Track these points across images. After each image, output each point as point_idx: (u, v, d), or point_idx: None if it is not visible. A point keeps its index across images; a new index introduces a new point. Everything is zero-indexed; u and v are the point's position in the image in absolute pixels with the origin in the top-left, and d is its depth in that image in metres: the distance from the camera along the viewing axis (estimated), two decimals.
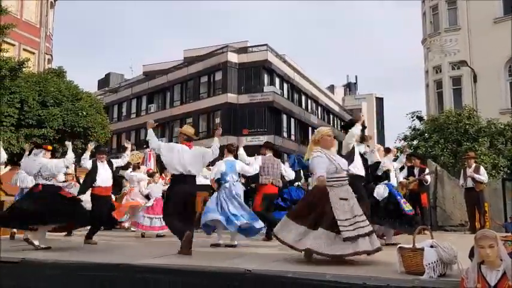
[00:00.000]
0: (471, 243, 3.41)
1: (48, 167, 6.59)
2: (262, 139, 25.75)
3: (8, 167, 10.22)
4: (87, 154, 7.99)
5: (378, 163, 6.89)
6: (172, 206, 5.87)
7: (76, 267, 5.01)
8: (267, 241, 7.29)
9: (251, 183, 9.44)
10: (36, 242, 6.30)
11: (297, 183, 9.53)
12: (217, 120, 31.96)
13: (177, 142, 6.24)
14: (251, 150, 7.57)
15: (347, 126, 6.38)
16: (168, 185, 6.37)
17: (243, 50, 33.13)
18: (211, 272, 4.33)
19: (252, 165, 7.25)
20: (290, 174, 8.47)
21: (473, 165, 9.79)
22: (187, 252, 5.45)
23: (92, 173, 7.65)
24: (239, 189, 6.96)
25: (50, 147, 7.18)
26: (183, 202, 5.85)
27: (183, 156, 5.89)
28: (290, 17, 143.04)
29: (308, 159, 5.21)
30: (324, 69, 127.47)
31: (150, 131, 6.07)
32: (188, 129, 6.33)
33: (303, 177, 10.85)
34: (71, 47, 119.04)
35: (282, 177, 8.17)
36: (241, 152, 7.29)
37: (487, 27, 22.52)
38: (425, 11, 26.12)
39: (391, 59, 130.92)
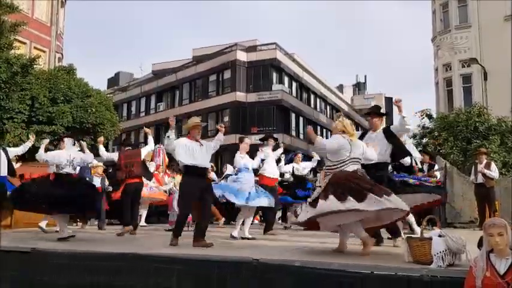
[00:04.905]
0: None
1: (81, 158, 6.91)
2: None
3: (19, 163, 10.26)
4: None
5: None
6: (188, 198, 5.85)
7: (85, 257, 5.05)
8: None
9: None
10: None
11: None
12: (226, 119, 31.99)
13: (188, 134, 6.24)
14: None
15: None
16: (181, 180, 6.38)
17: (252, 49, 33.11)
18: (220, 261, 4.34)
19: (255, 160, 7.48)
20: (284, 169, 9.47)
21: (485, 161, 9.77)
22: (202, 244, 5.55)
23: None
24: None
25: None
26: (199, 193, 5.81)
27: (195, 151, 5.95)
28: (299, 16, 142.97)
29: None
30: (333, 68, 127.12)
31: (172, 133, 6.05)
32: (197, 119, 6.42)
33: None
34: (80, 45, 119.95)
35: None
36: None
37: (497, 24, 22.32)
38: (435, 9, 25.91)
39: (401, 58, 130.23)
